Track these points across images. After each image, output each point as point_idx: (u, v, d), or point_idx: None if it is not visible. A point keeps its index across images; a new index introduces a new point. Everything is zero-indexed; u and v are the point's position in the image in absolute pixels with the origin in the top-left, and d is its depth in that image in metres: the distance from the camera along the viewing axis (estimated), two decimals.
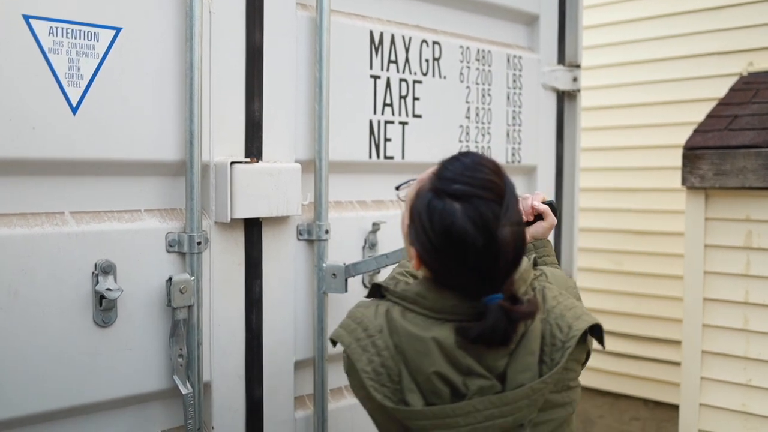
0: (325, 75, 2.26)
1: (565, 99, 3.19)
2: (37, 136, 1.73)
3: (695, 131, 3.74)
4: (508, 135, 2.96)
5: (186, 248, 1.98)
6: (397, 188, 1.74)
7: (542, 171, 3.12)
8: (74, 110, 1.79)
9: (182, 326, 1.97)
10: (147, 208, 1.97)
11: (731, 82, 4.14)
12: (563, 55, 3.17)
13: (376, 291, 1.66)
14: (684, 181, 3.62)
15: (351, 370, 1.54)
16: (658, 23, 4.84)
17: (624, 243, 4.99)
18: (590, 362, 5.22)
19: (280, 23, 2.18)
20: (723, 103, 3.96)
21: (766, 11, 4.32)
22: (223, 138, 2.07)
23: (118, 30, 1.85)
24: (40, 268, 1.75)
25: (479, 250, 1.42)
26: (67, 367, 1.80)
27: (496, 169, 1.50)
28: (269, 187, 2.09)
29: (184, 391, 1.97)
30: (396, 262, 2.29)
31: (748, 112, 3.78)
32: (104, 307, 1.85)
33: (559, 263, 3.34)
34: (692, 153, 3.61)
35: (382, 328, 1.52)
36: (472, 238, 1.41)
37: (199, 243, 1.98)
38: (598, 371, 5.01)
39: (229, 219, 2.02)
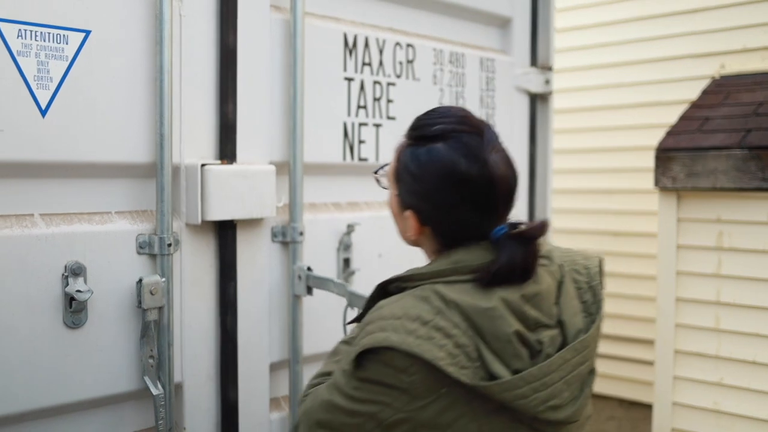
0: (299, 77, 2.28)
1: (537, 101, 3.22)
2: (6, 138, 1.74)
3: (668, 133, 3.79)
4: None
5: (156, 250, 1.98)
6: (376, 172, 1.66)
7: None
8: (43, 113, 1.79)
9: (153, 327, 1.98)
10: (117, 210, 1.98)
11: (704, 84, 4.20)
12: (536, 58, 3.20)
13: (382, 290, 1.52)
14: (656, 183, 3.66)
15: (410, 368, 1.33)
16: (631, 26, 4.89)
17: (601, 244, 5.04)
18: None
19: (254, 26, 2.19)
20: (695, 105, 4.01)
21: (738, 15, 4.37)
22: (194, 140, 2.08)
23: (87, 33, 1.86)
24: (10, 270, 1.76)
25: (474, 179, 1.40)
26: (38, 369, 1.80)
27: (466, 110, 1.50)
28: (243, 189, 2.10)
29: (154, 392, 1.98)
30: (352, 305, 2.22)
31: (720, 114, 3.83)
32: (74, 309, 1.85)
33: None
34: (664, 154, 3.65)
35: (440, 309, 1.36)
36: (465, 167, 1.39)
37: (169, 245, 1.99)
38: None
39: (199, 221, 2.03)
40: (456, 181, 1.40)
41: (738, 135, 3.56)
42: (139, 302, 1.95)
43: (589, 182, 5.10)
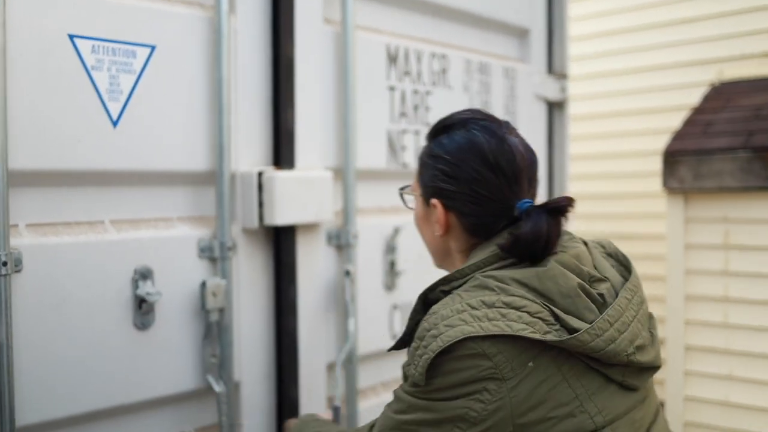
0: (351, 87, 2.39)
1: (554, 108, 3.34)
2: (81, 148, 1.82)
3: (673, 137, 3.94)
4: None
5: (217, 254, 2.07)
6: (402, 189, 1.73)
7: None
8: (114, 124, 1.88)
9: (215, 328, 2.07)
10: (179, 216, 2.06)
11: (703, 90, 4.35)
12: (552, 66, 3.33)
13: (423, 300, 1.52)
14: (664, 184, 3.80)
15: (490, 350, 1.32)
16: (633, 35, 5.04)
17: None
18: None
19: (309, 37, 2.29)
20: (698, 110, 4.16)
21: (735, 23, 4.54)
22: (250, 148, 2.17)
23: (153, 48, 1.95)
24: (84, 275, 1.84)
25: (495, 151, 1.46)
26: (110, 369, 1.88)
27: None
28: (304, 195, 2.20)
29: (217, 389, 2.06)
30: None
31: (722, 117, 3.98)
32: (144, 311, 1.94)
33: None
34: (672, 158, 3.80)
35: (501, 288, 1.37)
36: (485, 141, 1.47)
37: (229, 248, 2.08)
38: None
39: (257, 225, 2.13)
40: (477, 153, 1.46)
41: (741, 137, 3.71)
42: (203, 304, 2.04)
43: (598, 186, 5.22)
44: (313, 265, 2.32)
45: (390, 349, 1.62)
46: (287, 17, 2.20)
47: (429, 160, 1.54)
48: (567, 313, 1.36)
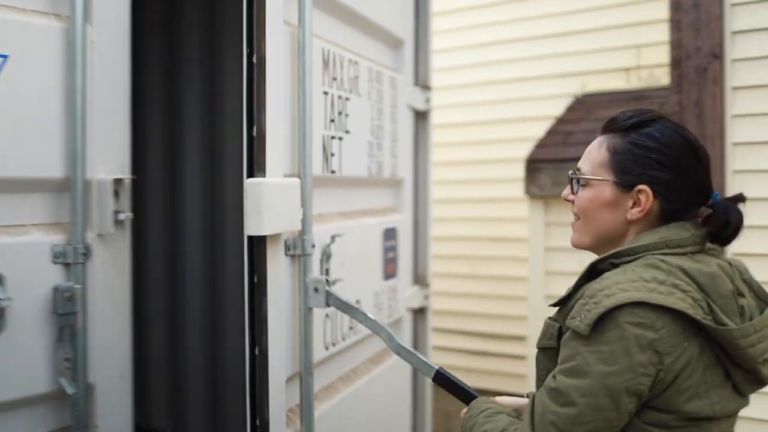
0: (308, 91, 2.38)
1: (419, 117, 3.50)
2: None
3: (536, 146, 4.18)
4: (391, 150, 3.21)
5: (71, 259, 2.11)
6: (572, 173, 1.81)
7: (406, 184, 3.42)
8: None
9: (68, 331, 2.10)
10: (33, 222, 2.09)
11: (567, 101, 4.62)
12: (418, 77, 3.49)
13: (592, 270, 1.66)
14: (526, 190, 4.03)
15: (656, 323, 1.46)
16: (501, 48, 5.28)
17: (477, 249, 5.39)
18: (447, 361, 5.57)
19: (275, 39, 2.28)
20: (560, 120, 4.43)
21: (597, 39, 4.84)
22: (107, 156, 2.21)
23: (5, 57, 1.97)
24: None
25: (699, 147, 1.66)
26: None
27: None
28: (283, 203, 2.22)
29: (69, 391, 2.10)
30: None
31: (581, 128, 4.25)
32: None
33: (416, 269, 3.64)
34: (533, 165, 4.03)
35: (670, 271, 1.53)
36: (693, 138, 1.66)
37: (83, 254, 2.12)
38: (456, 369, 5.38)
39: (111, 230, 2.18)
40: (689, 147, 1.64)
41: None
42: (55, 308, 2.08)
43: (466, 192, 5.43)
44: (277, 275, 2.31)
45: (551, 305, 1.74)
46: (260, 18, 2.19)
47: (638, 149, 1.64)
48: (720, 309, 1.53)
